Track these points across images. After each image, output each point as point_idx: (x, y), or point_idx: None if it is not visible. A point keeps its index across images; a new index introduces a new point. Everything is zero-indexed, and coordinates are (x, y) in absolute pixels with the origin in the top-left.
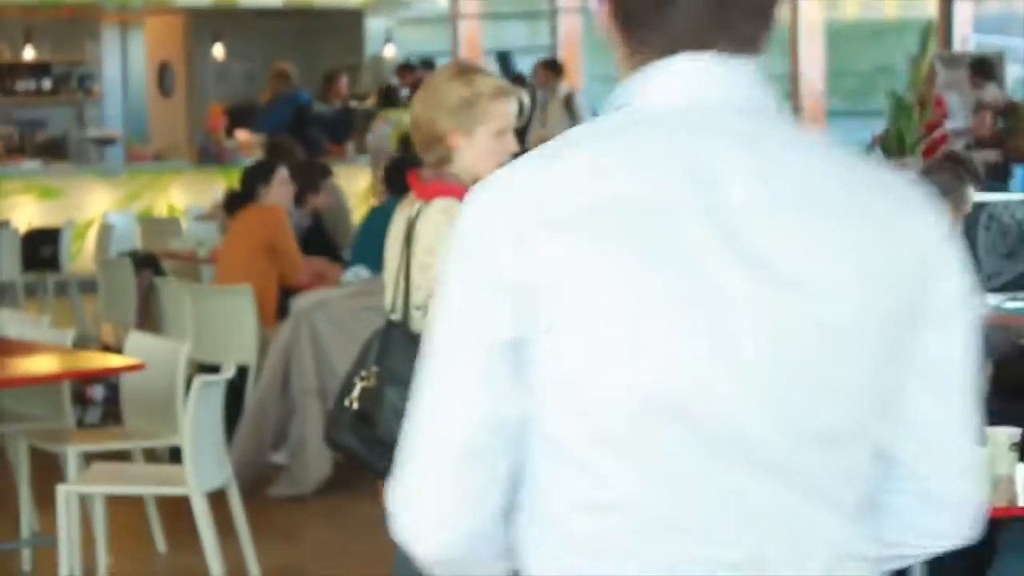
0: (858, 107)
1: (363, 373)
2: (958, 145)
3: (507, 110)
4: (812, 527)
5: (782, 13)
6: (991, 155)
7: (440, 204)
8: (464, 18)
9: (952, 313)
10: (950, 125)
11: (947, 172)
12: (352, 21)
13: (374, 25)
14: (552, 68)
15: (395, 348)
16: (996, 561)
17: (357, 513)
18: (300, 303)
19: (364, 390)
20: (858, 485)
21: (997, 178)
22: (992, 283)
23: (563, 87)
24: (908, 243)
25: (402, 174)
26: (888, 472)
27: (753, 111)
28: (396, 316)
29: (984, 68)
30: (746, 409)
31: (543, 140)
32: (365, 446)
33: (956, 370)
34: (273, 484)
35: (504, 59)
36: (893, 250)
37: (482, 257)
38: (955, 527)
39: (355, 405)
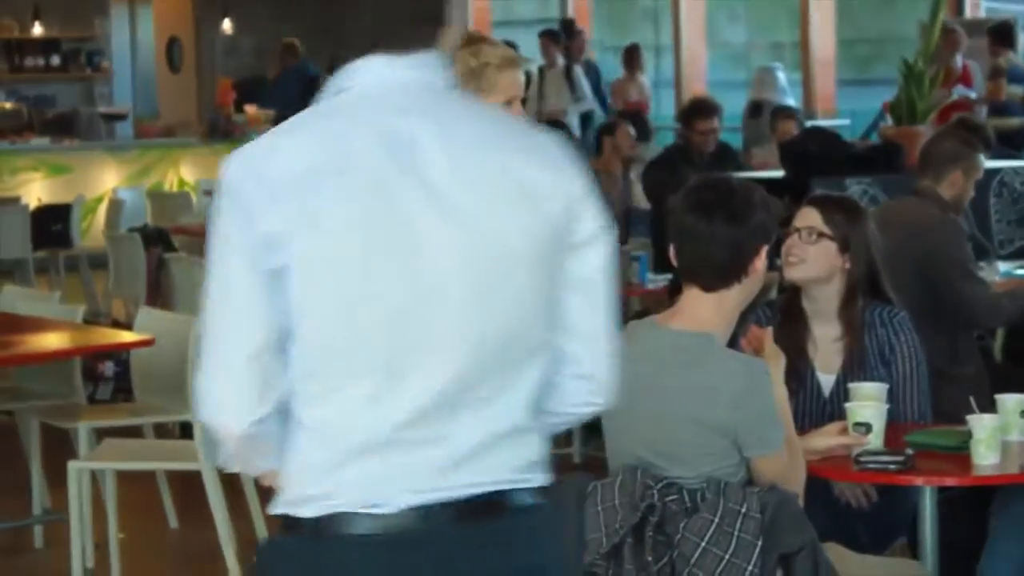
0: (869, 75)
1: None
2: (980, 112)
3: (515, 80)
4: (497, 412)
5: None
6: (1010, 122)
7: None
8: None
9: (592, 243)
10: (973, 93)
11: (957, 139)
12: None
13: None
14: (553, 39)
15: None
16: (989, 546)
17: None
18: None
19: None
20: (535, 379)
21: (1013, 146)
22: (1004, 250)
23: (582, 52)
24: (555, 190)
25: None
26: (553, 359)
27: (434, 90)
28: None
29: (1004, 34)
30: (440, 321)
31: (541, 111)
32: None
33: (599, 283)
34: None
35: None
36: (545, 195)
37: (240, 210)
38: (603, 396)
39: None
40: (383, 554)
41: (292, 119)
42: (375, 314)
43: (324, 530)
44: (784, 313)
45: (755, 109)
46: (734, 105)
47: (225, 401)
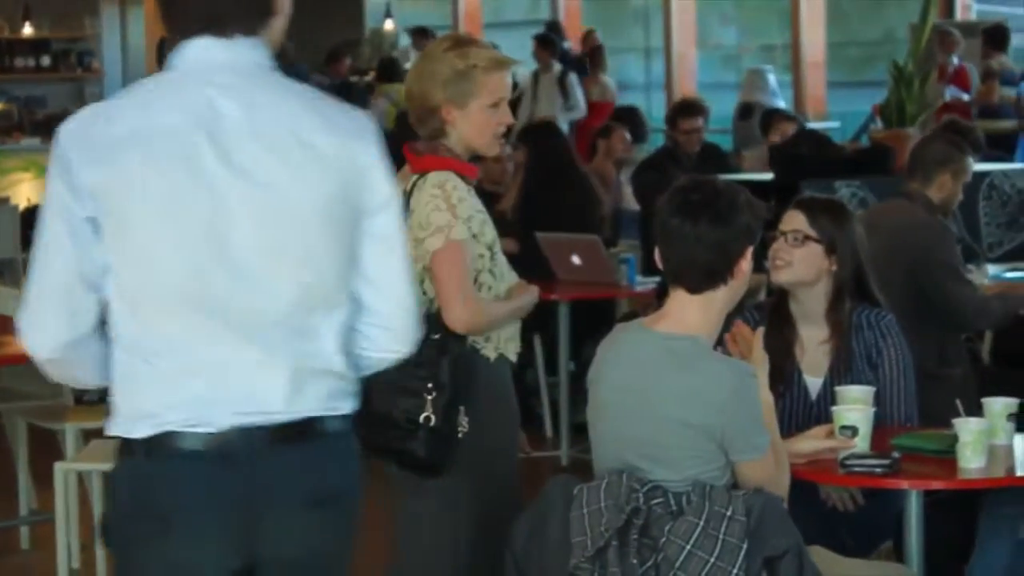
0: (859, 78)
1: None
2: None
3: (502, 83)
4: (308, 351)
5: None
6: (1001, 125)
7: (434, 178)
8: None
9: (386, 206)
10: (966, 95)
11: (946, 142)
12: None
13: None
14: (546, 44)
15: None
16: (977, 549)
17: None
18: None
19: None
20: (337, 325)
21: (1004, 148)
22: (993, 253)
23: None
24: (347, 158)
25: (393, 152)
26: (357, 311)
27: (248, 70)
28: None
29: (997, 36)
30: (243, 271)
31: (534, 115)
32: (365, 423)
33: (396, 242)
34: None
35: None
36: (337, 162)
37: (64, 166)
38: (401, 345)
39: None
40: (207, 469)
41: (123, 90)
42: (182, 262)
43: (155, 448)
44: (771, 315)
45: (745, 111)
46: (725, 107)
47: (34, 327)
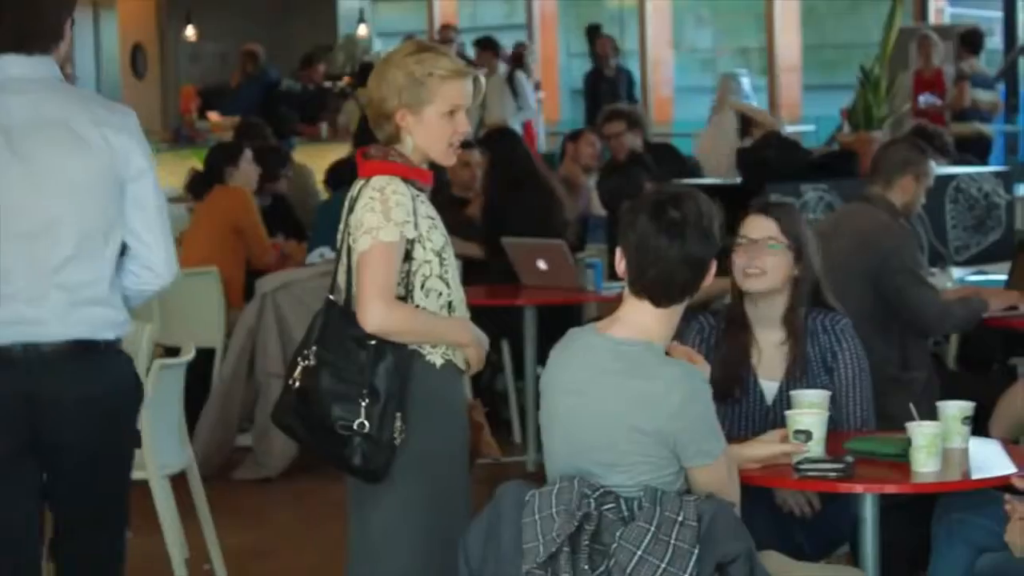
0: (835, 80)
1: (304, 352)
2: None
3: (459, 92)
4: (85, 282)
5: None
6: (977, 128)
7: (377, 182)
8: None
9: (141, 175)
10: (944, 99)
11: (909, 145)
12: (325, 1)
13: (347, 5)
14: (487, 47)
15: (333, 327)
16: (935, 554)
17: (323, 496)
18: (265, 284)
19: (304, 370)
20: (108, 265)
21: (978, 151)
22: (960, 256)
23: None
24: (113, 143)
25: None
26: (125, 253)
27: (40, 82)
28: (336, 296)
29: (972, 40)
30: (27, 238)
31: (484, 119)
32: (306, 427)
33: (150, 202)
34: (239, 467)
35: None
36: (99, 144)
37: None
38: (160, 280)
39: (297, 385)
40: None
41: None
42: None
43: None
44: (728, 320)
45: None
46: (700, 110)
47: None
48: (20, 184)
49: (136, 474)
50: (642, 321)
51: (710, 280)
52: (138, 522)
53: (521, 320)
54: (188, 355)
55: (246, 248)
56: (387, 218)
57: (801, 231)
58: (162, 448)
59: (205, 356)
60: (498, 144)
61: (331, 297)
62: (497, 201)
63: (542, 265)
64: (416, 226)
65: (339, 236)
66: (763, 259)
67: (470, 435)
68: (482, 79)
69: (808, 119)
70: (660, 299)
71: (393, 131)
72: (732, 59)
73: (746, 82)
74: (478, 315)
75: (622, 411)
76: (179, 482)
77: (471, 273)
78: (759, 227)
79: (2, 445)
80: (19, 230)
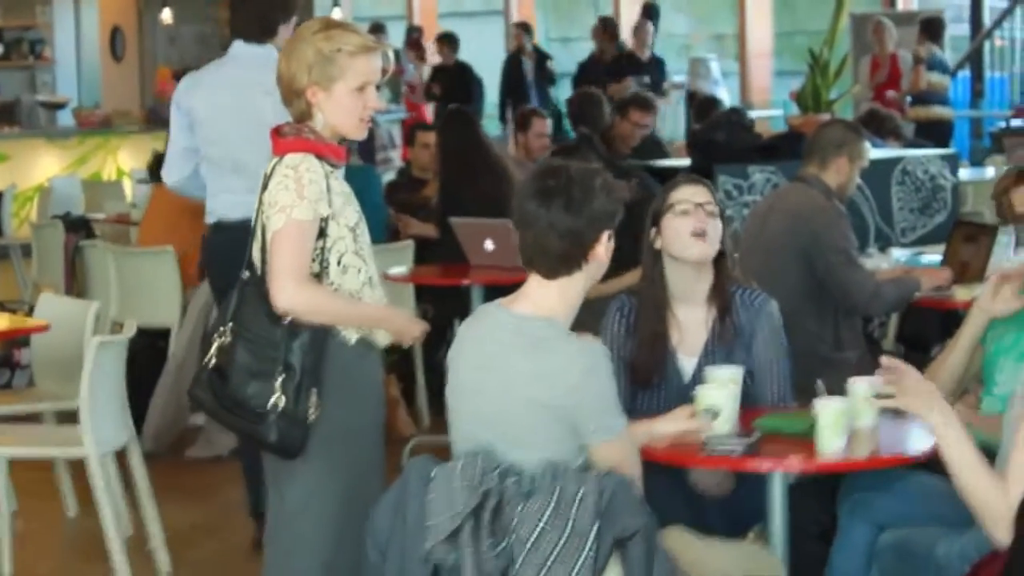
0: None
1: (220, 329)
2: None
3: (369, 67)
4: None
5: None
6: (933, 112)
7: (290, 160)
8: None
9: None
10: (904, 84)
11: (843, 126)
12: None
13: None
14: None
15: (248, 304)
16: (839, 532)
17: None
18: None
19: (220, 347)
20: None
21: (937, 135)
22: (906, 237)
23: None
24: None
25: None
26: None
27: None
28: (251, 273)
29: (933, 27)
30: None
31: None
32: (221, 404)
33: None
34: (192, 445)
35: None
36: None
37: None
38: None
39: (212, 361)
40: None
41: None
42: None
43: None
44: (645, 299)
45: (690, 99)
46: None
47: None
48: None
49: (73, 451)
50: (544, 296)
51: (601, 253)
52: (89, 500)
53: (467, 300)
54: (129, 332)
55: (203, 228)
56: (301, 196)
57: (721, 206)
58: (101, 426)
59: (161, 335)
60: (449, 126)
61: (245, 274)
62: (450, 183)
63: (489, 245)
64: (330, 203)
65: (253, 214)
66: (708, 222)
67: (385, 411)
68: (391, 55)
69: (779, 103)
70: (542, 269)
71: (304, 107)
72: (707, 45)
73: (715, 67)
74: (432, 294)
75: (523, 387)
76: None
77: (427, 253)
78: (698, 192)
79: None
80: None
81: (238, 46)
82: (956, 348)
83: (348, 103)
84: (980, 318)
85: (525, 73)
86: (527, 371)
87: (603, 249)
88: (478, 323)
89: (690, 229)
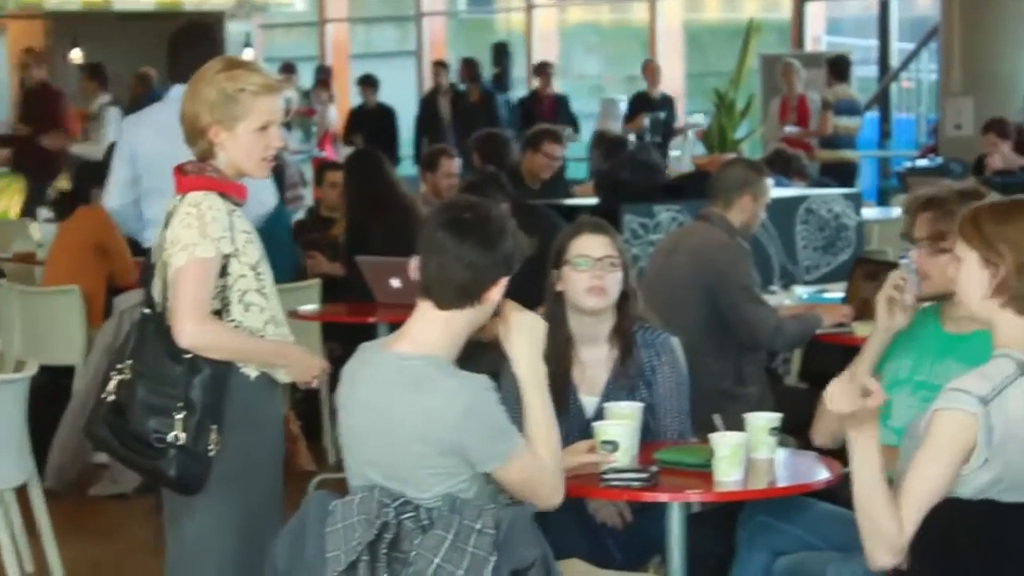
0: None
1: (119, 366)
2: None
3: (271, 107)
4: None
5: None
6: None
7: (193, 198)
8: (331, 22)
9: None
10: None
11: (745, 165)
12: (213, 25)
13: (234, 29)
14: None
15: (148, 341)
16: (737, 558)
17: None
18: (122, 301)
19: (120, 383)
20: None
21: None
22: (810, 275)
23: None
24: None
25: None
26: None
27: None
28: (151, 309)
29: (840, 67)
30: None
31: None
32: (119, 440)
33: None
34: (95, 483)
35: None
36: None
37: None
38: None
39: (111, 398)
40: None
41: None
42: None
43: None
44: (550, 338)
45: (599, 140)
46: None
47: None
48: None
49: None
50: (426, 333)
51: (494, 297)
52: None
53: (374, 337)
54: (31, 371)
55: (110, 267)
56: (203, 234)
57: (624, 247)
58: (1, 462)
59: (65, 373)
60: (356, 166)
61: (146, 311)
62: (357, 221)
63: (395, 283)
64: (232, 241)
65: (154, 250)
66: (606, 278)
67: (286, 447)
68: (294, 95)
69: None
70: (437, 298)
71: (207, 147)
72: (620, 86)
73: (625, 107)
74: (339, 332)
75: (407, 428)
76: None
77: (335, 291)
78: (598, 245)
79: None
80: None
81: (176, 89)
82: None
83: (251, 142)
84: (881, 338)
85: (441, 113)
86: (410, 412)
87: (496, 293)
88: (361, 365)
89: (587, 286)
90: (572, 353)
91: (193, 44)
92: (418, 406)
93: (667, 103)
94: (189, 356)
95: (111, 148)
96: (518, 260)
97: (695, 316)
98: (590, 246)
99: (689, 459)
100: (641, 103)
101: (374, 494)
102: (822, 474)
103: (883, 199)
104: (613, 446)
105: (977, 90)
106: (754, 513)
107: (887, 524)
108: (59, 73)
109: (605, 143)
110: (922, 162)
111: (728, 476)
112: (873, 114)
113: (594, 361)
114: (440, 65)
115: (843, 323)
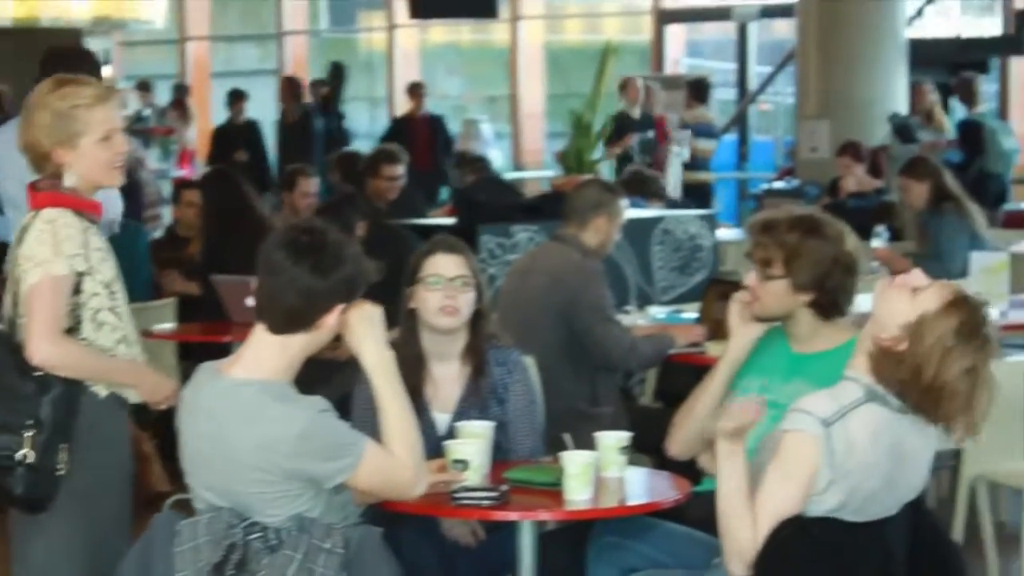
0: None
1: None
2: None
3: (109, 115)
4: None
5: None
6: (699, 176)
7: (47, 214)
8: (192, 40)
9: None
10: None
11: (599, 187)
12: (71, 41)
13: (93, 46)
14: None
15: None
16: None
17: None
18: None
19: None
20: None
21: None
22: (667, 296)
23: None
24: None
25: None
26: None
27: None
28: (2, 325)
29: (699, 89)
30: None
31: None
32: None
33: None
34: None
35: None
36: None
37: None
38: None
39: None
40: None
41: None
42: None
43: None
44: (401, 355)
45: (460, 161)
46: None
47: None
48: None
49: None
50: (261, 357)
51: (330, 324)
52: None
53: None
54: None
55: None
56: (57, 252)
57: (477, 267)
58: None
59: None
60: (212, 184)
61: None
62: (212, 240)
63: (251, 302)
64: (87, 259)
65: (6, 266)
66: (459, 297)
67: (138, 467)
68: (127, 98)
69: (551, 165)
70: (271, 321)
71: (55, 170)
72: (481, 106)
73: (486, 128)
74: (195, 351)
75: (243, 456)
76: None
77: (191, 311)
78: (451, 265)
79: None
80: None
81: None
82: (708, 392)
83: (97, 154)
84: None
85: (313, 131)
86: (247, 442)
87: (333, 320)
88: (198, 391)
89: (439, 305)
90: (425, 370)
91: (70, 68)
92: (252, 435)
93: (650, 122)
94: (40, 374)
95: None
96: (361, 286)
97: (550, 336)
98: (443, 265)
99: (539, 478)
100: (624, 124)
101: (222, 515)
102: (671, 493)
103: (741, 220)
104: (464, 465)
105: (833, 113)
106: (603, 532)
107: (745, 535)
108: None
109: (465, 163)
110: (779, 184)
111: (578, 495)
112: (732, 136)
113: (446, 378)
114: (319, 84)
115: (697, 343)
